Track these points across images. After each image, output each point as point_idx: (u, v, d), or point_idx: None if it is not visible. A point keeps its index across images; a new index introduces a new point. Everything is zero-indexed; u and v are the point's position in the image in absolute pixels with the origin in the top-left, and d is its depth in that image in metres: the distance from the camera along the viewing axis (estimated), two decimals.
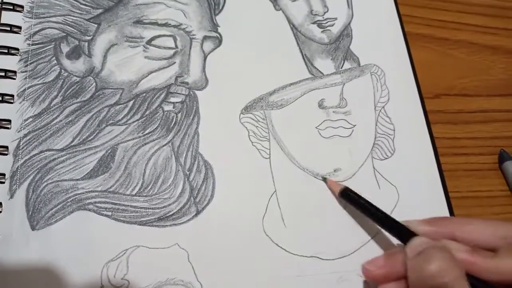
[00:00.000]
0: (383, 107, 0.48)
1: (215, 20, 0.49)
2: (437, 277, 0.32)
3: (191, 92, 0.46)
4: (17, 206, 0.40)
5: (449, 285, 0.32)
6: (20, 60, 0.45)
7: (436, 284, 0.32)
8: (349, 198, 0.42)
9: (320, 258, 0.42)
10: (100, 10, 0.48)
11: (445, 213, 0.44)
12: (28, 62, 0.45)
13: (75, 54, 0.46)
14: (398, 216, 0.43)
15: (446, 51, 0.53)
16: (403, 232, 0.38)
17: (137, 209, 0.41)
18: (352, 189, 0.43)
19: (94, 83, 0.45)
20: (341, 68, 0.49)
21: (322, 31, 0.51)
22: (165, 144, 0.44)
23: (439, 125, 0.48)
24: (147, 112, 0.44)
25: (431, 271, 0.32)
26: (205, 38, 0.48)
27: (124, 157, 0.43)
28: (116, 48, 0.46)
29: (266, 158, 0.45)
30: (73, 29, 0.46)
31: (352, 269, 0.41)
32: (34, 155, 0.42)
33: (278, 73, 0.48)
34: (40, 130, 0.42)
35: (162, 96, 0.45)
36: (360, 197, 0.41)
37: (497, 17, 0.56)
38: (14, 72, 0.44)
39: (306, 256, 0.42)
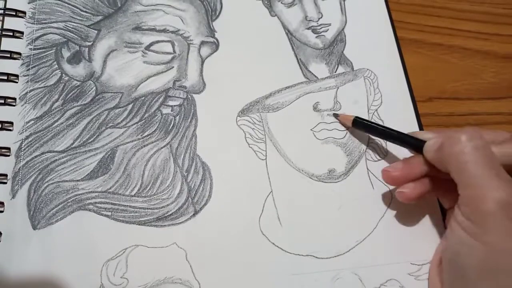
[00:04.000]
0: (376, 110, 0.49)
1: (212, 26, 0.50)
2: (473, 140, 0.36)
3: (189, 96, 0.47)
4: (19, 206, 0.41)
5: (481, 148, 0.36)
6: (22, 64, 0.46)
7: (470, 150, 0.36)
8: (361, 125, 0.46)
9: (316, 257, 0.42)
10: (100, 17, 0.49)
11: (437, 211, 0.45)
12: (30, 66, 0.46)
13: (75, 59, 0.47)
14: (392, 216, 0.44)
15: (438, 56, 0.54)
16: (416, 143, 0.42)
17: (136, 209, 0.42)
18: (347, 189, 0.45)
19: (94, 87, 0.46)
20: (335, 72, 0.50)
21: (316, 37, 0.52)
22: (164, 146, 0.45)
23: (431, 128, 0.49)
24: (146, 115, 0.45)
25: (463, 138, 0.36)
26: (203, 43, 0.49)
27: (124, 159, 0.44)
28: (116, 53, 0.47)
29: (262, 159, 0.46)
30: (73, 35, 0.48)
31: (347, 267, 0.42)
32: (36, 157, 0.43)
33: (273, 77, 0.49)
34: (41, 132, 0.44)
35: (161, 99, 0.46)
36: (370, 121, 0.46)
37: (489, 23, 0.57)
38: (16, 75, 0.45)
39: (301, 255, 0.42)
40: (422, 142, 0.41)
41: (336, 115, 0.48)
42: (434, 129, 0.43)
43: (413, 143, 0.42)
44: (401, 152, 0.47)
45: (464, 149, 0.36)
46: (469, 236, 0.35)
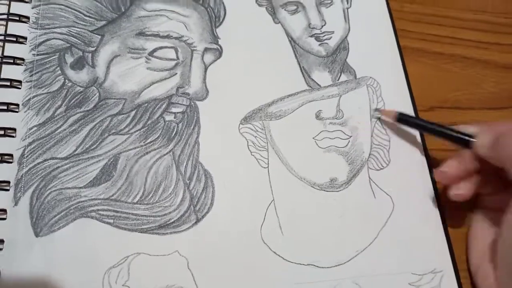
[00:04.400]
0: (379, 118, 0.49)
1: (216, 32, 0.50)
2: None
3: (192, 103, 0.47)
4: (21, 213, 0.41)
5: None
6: (25, 70, 0.46)
7: None
8: (405, 120, 0.47)
9: (317, 266, 0.43)
10: (104, 22, 0.49)
11: (438, 222, 0.45)
12: (33, 72, 0.46)
13: (79, 64, 0.47)
14: (393, 225, 0.45)
15: (440, 65, 0.54)
16: (464, 138, 0.42)
17: (138, 216, 0.42)
18: (349, 198, 0.45)
19: (98, 93, 0.46)
20: (338, 80, 0.50)
21: (319, 44, 0.52)
22: (166, 153, 0.45)
23: (433, 137, 0.49)
24: (149, 122, 0.45)
25: None
26: (206, 50, 0.49)
27: (126, 166, 0.44)
28: (119, 59, 0.47)
29: (264, 167, 0.46)
30: (77, 40, 0.47)
31: (348, 276, 0.42)
32: (38, 163, 0.43)
33: (276, 84, 0.49)
34: (44, 138, 0.43)
35: (164, 106, 0.46)
36: (413, 117, 0.48)
37: (490, 32, 0.57)
38: (20, 81, 0.45)
39: (303, 264, 0.43)
40: (470, 137, 0.41)
41: (377, 110, 0.49)
42: (476, 123, 0.43)
43: (461, 138, 0.42)
44: (404, 161, 0.47)
45: None
46: None
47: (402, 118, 0.47)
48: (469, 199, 0.42)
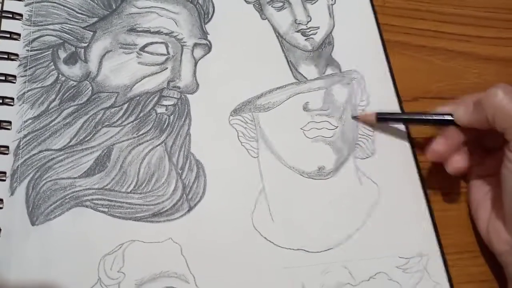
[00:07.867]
0: (363, 110, 0.51)
1: (205, 28, 0.52)
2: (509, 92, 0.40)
3: (183, 96, 0.48)
4: (18, 203, 0.42)
5: None
6: (19, 65, 0.47)
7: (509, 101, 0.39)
8: (386, 118, 0.49)
9: (306, 251, 0.44)
10: (96, 19, 0.50)
11: (424, 207, 0.47)
12: (27, 67, 0.47)
13: (72, 60, 0.48)
14: (380, 211, 0.46)
15: (423, 58, 0.56)
16: (444, 118, 0.45)
17: (132, 205, 0.43)
18: (336, 185, 0.47)
19: (90, 87, 0.47)
20: (324, 73, 0.52)
21: (305, 39, 0.53)
22: (159, 145, 0.46)
23: (416, 126, 0.51)
24: (141, 114, 0.47)
25: (500, 93, 0.40)
26: (196, 45, 0.50)
27: (120, 157, 0.45)
28: (111, 54, 0.49)
29: (254, 157, 0.47)
30: (69, 36, 0.49)
31: (337, 261, 0.44)
32: (34, 155, 0.43)
33: (265, 78, 0.50)
34: (39, 131, 0.44)
35: (155, 99, 0.47)
36: (393, 113, 0.50)
37: (471, 26, 0.59)
38: (14, 76, 0.46)
39: (293, 249, 0.44)
40: (449, 114, 0.44)
41: (355, 117, 0.50)
42: (449, 103, 0.46)
43: (441, 119, 0.45)
44: (389, 149, 0.49)
45: (503, 101, 0.39)
46: None
47: (381, 117, 0.49)
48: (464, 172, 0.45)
